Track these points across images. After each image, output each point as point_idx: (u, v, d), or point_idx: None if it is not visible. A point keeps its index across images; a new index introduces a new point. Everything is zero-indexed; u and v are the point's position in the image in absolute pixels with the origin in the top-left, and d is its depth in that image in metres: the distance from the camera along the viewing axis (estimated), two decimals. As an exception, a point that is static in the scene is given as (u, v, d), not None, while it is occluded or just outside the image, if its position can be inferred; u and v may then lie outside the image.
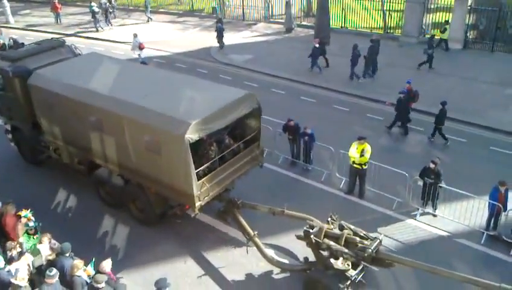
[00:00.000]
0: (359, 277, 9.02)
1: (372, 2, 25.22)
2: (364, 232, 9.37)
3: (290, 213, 10.27)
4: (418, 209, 11.79)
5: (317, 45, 20.50)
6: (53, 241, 9.18)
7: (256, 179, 12.59)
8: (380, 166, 12.15)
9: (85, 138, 11.58)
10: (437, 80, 19.44)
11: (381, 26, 25.20)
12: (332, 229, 9.44)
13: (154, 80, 11.93)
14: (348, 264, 8.87)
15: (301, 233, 9.65)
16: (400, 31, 24.45)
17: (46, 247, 8.97)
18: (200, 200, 9.99)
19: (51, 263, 8.59)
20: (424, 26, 23.93)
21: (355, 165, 12.16)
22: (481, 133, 15.55)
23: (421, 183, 11.61)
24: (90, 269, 8.45)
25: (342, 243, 9.02)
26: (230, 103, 10.32)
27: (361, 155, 11.90)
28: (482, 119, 16.21)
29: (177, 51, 24.58)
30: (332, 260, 8.89)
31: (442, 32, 22.35)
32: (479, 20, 23.12)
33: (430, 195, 11.53)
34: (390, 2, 24.27)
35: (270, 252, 10.38)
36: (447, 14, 22.95)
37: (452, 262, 10.30)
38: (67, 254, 8.57)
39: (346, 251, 8.90)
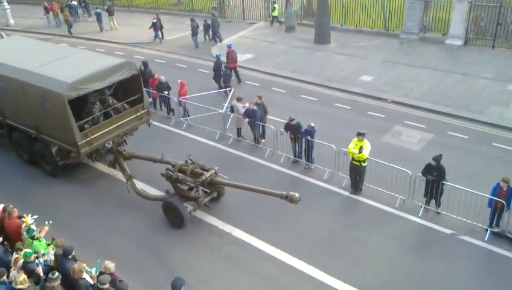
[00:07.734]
0: (205, 201, 11.60)
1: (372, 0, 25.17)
2: (208, 167, 11.45)
3: (166, 160, 12.22)
4: (421, 206, 11.76)
5: (154, 20, 25.58)
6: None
7: (259, 179, 12.58)
8: (382, 163, 12.11)
9: (1, 103, 13.71)
10: (438, 76, 19.41)
11: (381, 23, 25.14)
12: (186, 166, 11.52)
13: (53, 53, 14.10)
14: (199, 193, 11.43)
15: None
16: (400, 28, 24.39)
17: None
18: (84, 148, 12.19)
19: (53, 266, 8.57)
20: (424, 23, 23.87)
21: (354, 162, 12.15)
22: (483, 130, 15.49)
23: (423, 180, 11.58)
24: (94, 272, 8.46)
25: (188, 174, 11.27)
26: (107, 68, 12.60)
27: (360, 152, 11.88)
28: (483, 115, 16.17)
29: (177, 51, 24.56)
30: (185, 191, 11.38)
31: (273, 11, 27.56)
32: (480, 16, 23.05)
33: (433, 192, 11.50)
34: (390, -1, 24.22)
35: (144, 188, 12.58)
36: (448, 10, 22.87)
37: (455, 259, 10.29)
38: (70, 256, 8.54)
39: (189, 179, 11.20)
